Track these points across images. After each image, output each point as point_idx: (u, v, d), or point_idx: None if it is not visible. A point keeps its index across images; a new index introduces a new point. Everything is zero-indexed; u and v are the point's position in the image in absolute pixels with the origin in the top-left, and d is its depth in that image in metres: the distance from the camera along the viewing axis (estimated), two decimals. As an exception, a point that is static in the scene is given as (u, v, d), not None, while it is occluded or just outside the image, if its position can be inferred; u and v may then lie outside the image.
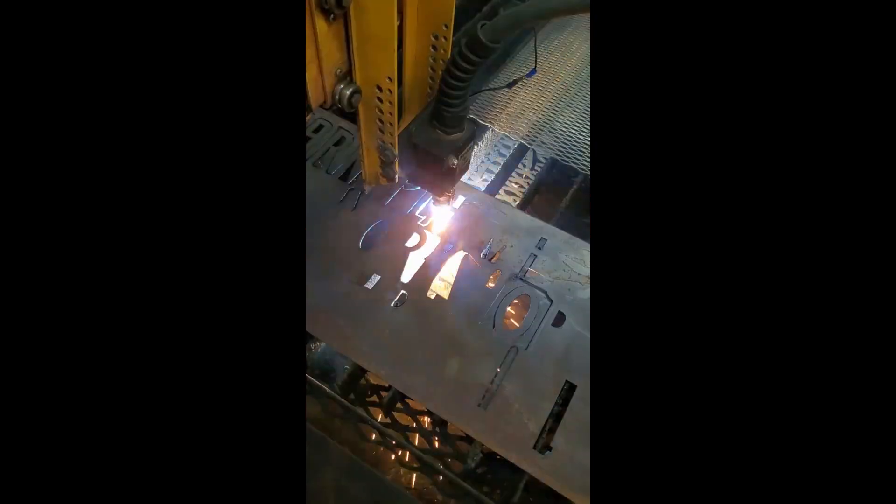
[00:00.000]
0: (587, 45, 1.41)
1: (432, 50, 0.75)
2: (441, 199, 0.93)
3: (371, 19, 0.62)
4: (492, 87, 1.18)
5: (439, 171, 0.81)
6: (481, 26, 0.62)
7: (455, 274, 0.92)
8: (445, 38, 0.72)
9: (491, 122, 1.17)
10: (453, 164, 0.78)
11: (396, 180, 0.87)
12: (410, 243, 0.95)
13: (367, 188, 0.94)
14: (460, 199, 0.99)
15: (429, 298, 0.89)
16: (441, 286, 0.92)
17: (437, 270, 0.92)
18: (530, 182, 1.19)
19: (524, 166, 1.27)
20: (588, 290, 0.91)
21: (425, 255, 0.93)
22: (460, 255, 0.94)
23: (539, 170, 1.21)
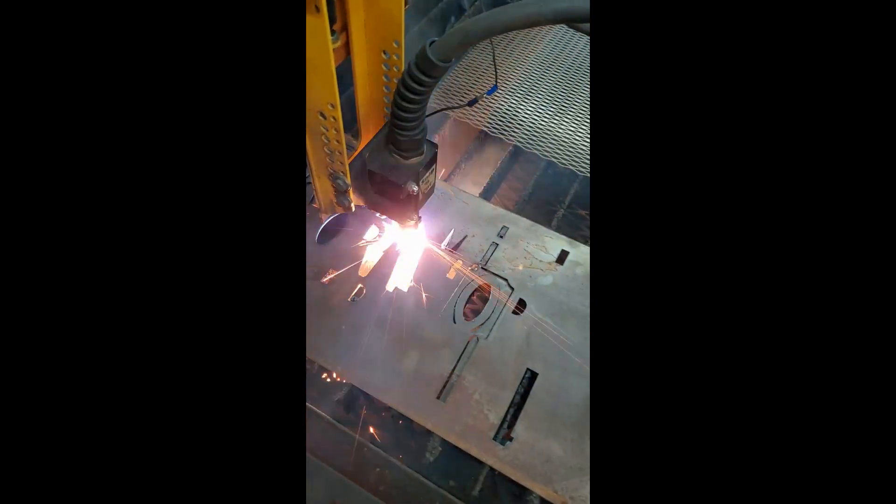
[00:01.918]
0: (553, 31, 1.39)
1: (384, 68, 0.71)
2: (405, 226, 0.86)
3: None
4: (451, 105, 1.13)
5: (400, 199, 0.76)
6: (430, 44, 0.59)
7: (415, 266, 0.90)
8: (397, 55, 0.69)
9: (452, 111, 1.15)
10: (413, 190, 0.72)
11: (353, 210, 0.81)
12: (369, 236, 0.93)
13: (323, 217, 0.90)
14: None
15: (387, 292, 0.87)
16: (400, 279, 0.90)
17: (396, 263, 0.90)
18: (495, 171, 1.17)
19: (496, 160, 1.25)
20: (549, 276, 0.89)
21: (384, 248, 0.92)
22: (421, 246, 0.92)
23: (504, 159, 1.20)
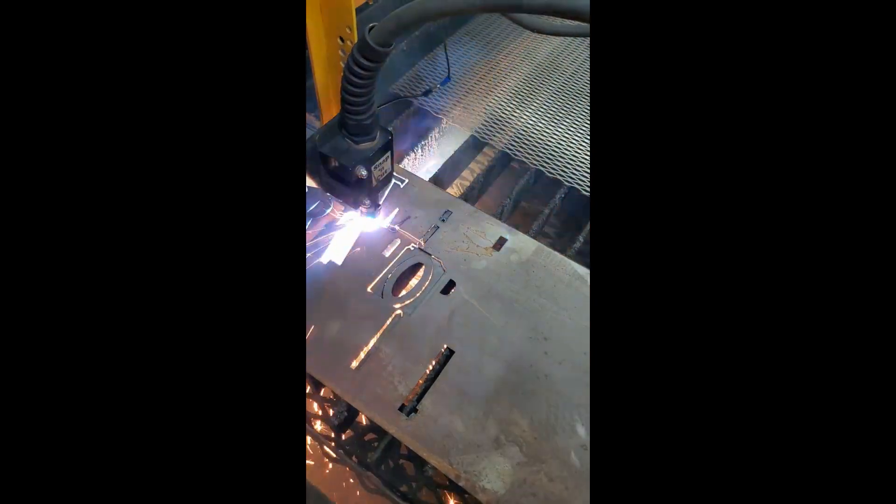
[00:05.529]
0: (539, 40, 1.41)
1: (342, 54, 0.73)
2: (363, 211, 0.86)
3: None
4: (405, 95, 1.14)
5: (350, 182, 0.77)
6: (369, 30, 0.60)
7: (353, 241, 0.92)
8: (351, 41, 0.71)
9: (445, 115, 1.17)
10: (361, 174, 0.74)
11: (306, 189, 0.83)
12: (311, 208, 0.95)
13: None
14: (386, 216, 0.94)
15: (321, 263, 0.88)
16: (336, 252, 0.91)
17: (335, 236, 0.92)
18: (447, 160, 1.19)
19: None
20: (483, 261, 0.90)
21: (325, 222, 0.93)
22: (362, 221, 0.94)
23: (459, 149, 1.21)
